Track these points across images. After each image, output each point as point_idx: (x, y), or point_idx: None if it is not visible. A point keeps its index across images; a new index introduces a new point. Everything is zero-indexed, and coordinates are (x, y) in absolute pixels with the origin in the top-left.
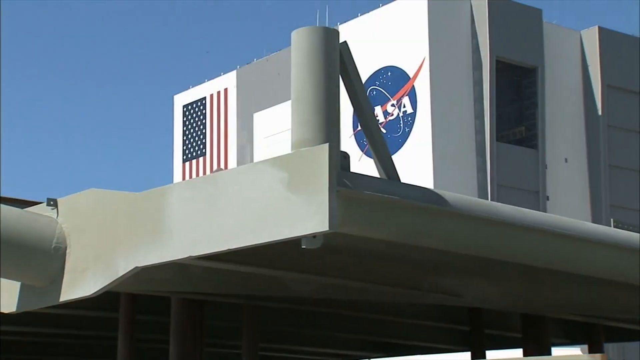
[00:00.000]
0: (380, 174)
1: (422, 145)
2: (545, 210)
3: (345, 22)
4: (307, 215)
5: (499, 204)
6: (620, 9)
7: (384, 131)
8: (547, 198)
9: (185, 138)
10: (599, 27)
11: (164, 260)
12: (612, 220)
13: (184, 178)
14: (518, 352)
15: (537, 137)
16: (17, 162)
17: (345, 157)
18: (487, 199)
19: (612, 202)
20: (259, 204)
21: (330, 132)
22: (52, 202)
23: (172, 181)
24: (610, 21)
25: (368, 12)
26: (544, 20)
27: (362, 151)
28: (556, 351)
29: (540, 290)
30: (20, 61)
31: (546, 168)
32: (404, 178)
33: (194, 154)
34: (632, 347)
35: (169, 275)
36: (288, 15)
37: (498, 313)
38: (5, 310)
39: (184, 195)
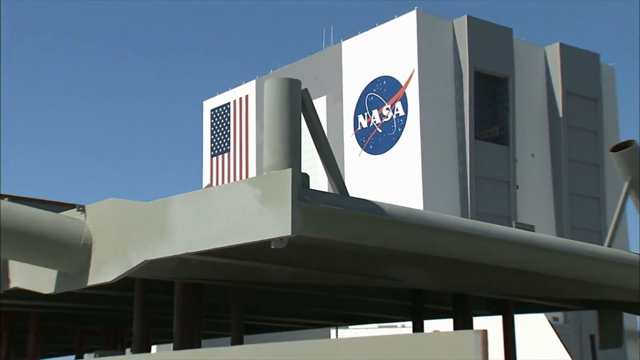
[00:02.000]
0: (333, 190)
1: (412, 143)
2: (515, 198)
3: (347, 38)
4: (275, 223)
5: (426, 211)
6: (580, 27)
7: (379, 131)
8: (517, 187)
9: (212, 137)
10: (560, 44)
11: (167, 255)
12: (513, 222)
13: (211, 171)
14: (449, 322)
15: (508, 135)
16: (68, 160)
17: (306, 177)
18: (467, 188)
19: (571, 190)
20: (239, 214)
21: (293, 159)
22: (81, 208)
23: (202, 173)
24: (571, 38)
25: (367, 30)
26: (514, 37)
27: (362, 148)
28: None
29: (463, 275)
30: (70, 66)
31: (516, 162)
32: (397, 172)
33: (220, 150)
34: (588, 315)
35: (172, 265)
36: (301, 29)
37: (434, 292)
38: (45, 292)
39: (182, 205)
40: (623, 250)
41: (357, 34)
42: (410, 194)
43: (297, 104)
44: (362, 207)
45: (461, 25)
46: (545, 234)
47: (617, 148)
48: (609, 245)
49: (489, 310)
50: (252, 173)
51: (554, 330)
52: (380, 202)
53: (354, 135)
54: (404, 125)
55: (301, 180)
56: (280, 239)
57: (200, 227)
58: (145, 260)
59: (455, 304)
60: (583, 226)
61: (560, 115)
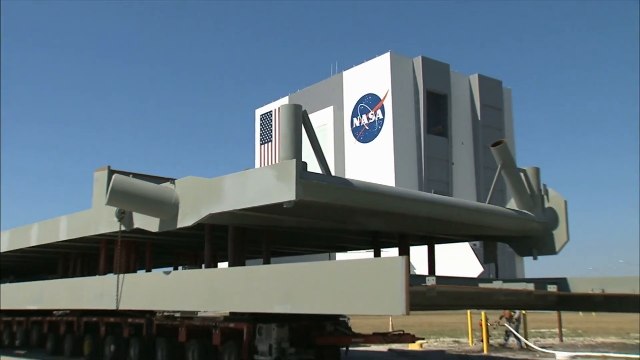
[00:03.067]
0: (321, 171)
1: (387, 136)
2: (451, 170)
3: (346, 69)
4: (285, 192)
5: (377, 183)
6: (490, 63)
7: (367, 128)
8: (452, 164)
9: (261, 132)
10: (479, 74)
11: (222, 210)
12: (432, 190)
13: (260, 154)
14: (395, 250)
15: (447, 131)
16: (165, 145)
17: (304, 164)
18: (422, 165)
19: (485, 165)
20: (264, 186)
21: (296, 154)
22: (172, 182)
23: (254, 156)
24: (485, 70)
25: (359, 64)
26: (451, 69)
27: (355, 139)
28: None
29: (402, 222)
30: (139, 69)
31: (452, 148)
32: (378, 155)
33: (266, 140)
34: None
35: (226, 216)
36: (319, 62)
37: (386, 232)
38: (154, 230)
39: (231, 180)
40: (499, 206)
41: (353, 66)
42: (386, 170)
43: (299, 120)
44: (339, 182)
45: (418, 62)
46: (469, 194)
47: (495, 144)
48: (489, 202)
49: (419, 242)
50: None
51: (474, 252)
52: (349, 178)
53: (350, 131)
54: (382, 124)
55: (301, 166)
56: (289, 201)
57: (241, 194)
58: (210, 213)
59: (399, 239)
60: (490, 186)
61: (479, 118)
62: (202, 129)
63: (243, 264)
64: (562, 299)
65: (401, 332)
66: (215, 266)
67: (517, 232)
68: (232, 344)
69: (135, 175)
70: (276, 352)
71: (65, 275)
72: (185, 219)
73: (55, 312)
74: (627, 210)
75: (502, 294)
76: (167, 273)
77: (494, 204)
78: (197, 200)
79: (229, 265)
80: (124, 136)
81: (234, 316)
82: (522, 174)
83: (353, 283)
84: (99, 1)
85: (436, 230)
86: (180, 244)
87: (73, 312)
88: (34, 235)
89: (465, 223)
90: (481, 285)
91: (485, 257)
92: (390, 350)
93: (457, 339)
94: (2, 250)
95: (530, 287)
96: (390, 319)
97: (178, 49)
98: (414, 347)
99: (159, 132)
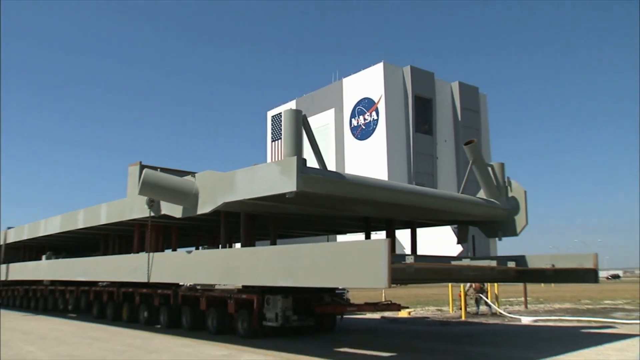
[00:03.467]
0: (319, 166)
1: (381, 134)
2: (436, 164)
3: (346, 77)
4: (288, 184)
5: (366, 176)
6: (468, 71)
7: (364, 127)
8: (437, 158)
9: (272, 131)
10: (459, 81)
11: (235, 200)
12: (414, 182)
13: (272, 151)
14: (383, 233)
15: (433, 130)
16: (189, 141)
17: (304, 161)
18: (411, 160)
19: (464, 159)
20: (270, 179)
21: (297, 151)
22: (193, 175)
23: (266, 151)
24: (464, 77)
25: (356, 72)
26: (435, 77)
27: (354, 137)
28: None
29: (389, 209)
30: (168, 79)
31: (436, 145)
32: (373, 150)
33: (276, 138)
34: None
35: (238, 204)
36: (324, 68)
37: (375, 218)
38: (178, 216)
39: (242, 174)
40: (471, 195)
41: (351, 74)
42: (380, 163)
43: (300, 123)
44: (333, 175)
45: (407, 71)
46: (451, 185)
47: (467, 143)
48: (462, 192)
49: (404, 226)
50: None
51: (454, 233)
52: (342, 172)
53: (349, 130)
54: (377, 124)
55: (301, 162)
56: (291, 192)
57: (251, 185)
58: (224, 202)
59: (386, 224)
60: (471, 178)
61: (459, 119)
62: (222, 128)
63: (253, 245)
64: (520, 273)
65: (389, 302)
66: (230, 247)
67: (485, 218)
68: (245, 312)
69: (163, 170)
70: (281, 319)
71: (105, 252)
72: (204, 207)
73: (99, 283)
74: (584, 197)
75: (470, 270)
76: (189, 252)
77: (468, 194)
78: (214, 191)
79: (241, 246)
80: (157, 134)
81: (246, 289)
82: (489, 168)
83: (344, 261)
84: (132, 11)
85: (417, 216)
86: (200, 227)
87: (113, 283)
88: (80, 219)
89: (442, 210)
90: (453, 262)
91: (459, 238)
92: (382, 317)
93: (439, 308)
94: (55, 232)
95: (493, 263)
96: (383, 291)
97: (205, 62)
98: (402, 314)
99: (185, 131)
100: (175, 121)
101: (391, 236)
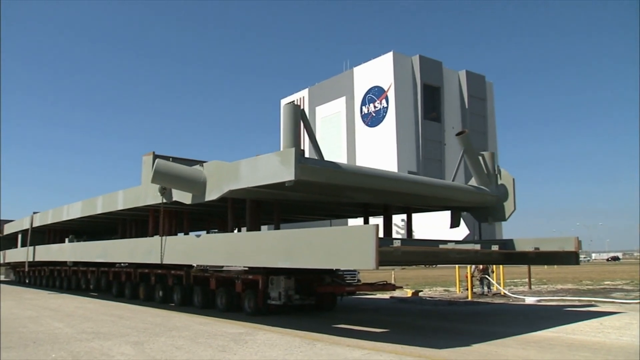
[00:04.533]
0: (317, 157)
1: (391, 121)
2: (444, 150)
3: (357, 65)
4: (287, 173)
5: (362, 166)
6: (476, 60)
7: (374, 115)
8: (445, 144)
9: None
10: (466, 70)
11: (239, 187)
12: (407, 170)
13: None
14: (380, 218)
15: (441, 117)
16: (202, 131)
17: (303, 151)
18: (419, 145)
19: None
20: (270, 168)
21: (295, 143)
22: (201, 164)
23: (279, 140)
24: (471, 65)
25: (367, 61)
26: (443, 66)
27: (364, 124)
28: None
29: (385, 196)
30: (186, 71)
31: (444, 131)
32: (383, 137)
33: None
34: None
35: (243, 192)
36: (337, 57)
37: (373, 204)
38: (187, 202)
39: (246, 164)
40: (461, 183)
41: (362, 63)
42: (390, 150)
43: (298, 117)
44: (330, 165)
45: (416, 60)
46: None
47: (458, 134)
48: (453, 180)
49: (401, 211)
50: (306, 139)
51: (462, 218)
52: (338, 162)
53: (360, 117)
54: (386, 112)
55: (299, 153)
56: (290, 180)
57: (254, 174)
58: (229, 189)
59: (384, 209)
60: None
61: (466, 107)
62: (238, 116)
63: (258, 229)
64: (507, 255)
65: (384, 282)
66: (239, 231)
67: (476, 204)
68: (250, 291)
69: (175, 159)
70: (284, 298)
71: (123, 236)
72: (211, 194)
73: (118, 264)
74: (587, 182)
75: (455, 253)
76: (198, 236)
77: (461, 182)
78: (220, 179)
79: (247, 230)
80: (176, 123)
81: (252, 270)
82: (480, 158)
83: (338, 245)
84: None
85: (411, 202)
86: (210, 213)
87: (130, 264)
88: (99, 205)
89: (433, 197)
90: (441, 246)
91: (452, 223)
92: (391, 297)
93: (447, 289)
94: (77, 217)
95: (477, 247)
96: (392, 272)
97: (222, 53)
98: (410, 294)
99: (203, 120)
100: (193, 110)
101: (388, 221)
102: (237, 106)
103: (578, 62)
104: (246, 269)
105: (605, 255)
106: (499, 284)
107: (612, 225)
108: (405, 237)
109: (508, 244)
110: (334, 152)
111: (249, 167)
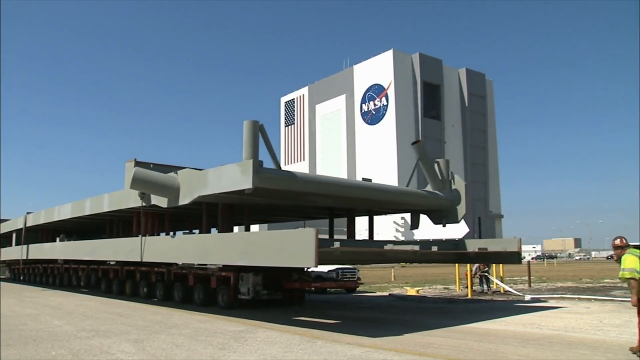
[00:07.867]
0: (274, 166)
1: (391, 119)
2: (444, 148)
3: (357, 63)
4: (245, 181)
5: (317, 174)
6: (476, 58)
7: (374, 113)
8: (445, 142)
9: (285, 116)
10: (466, 68)
11: (208, 193)
12: (362, 178)
13: (285, 135)
14: (344, 220)
15: (441, 114)
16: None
17: (261, 162)
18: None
19: (471, 144)
20: (232, 177)
21: (254, 155)
22: (175, 172)
23: (279, 135)
24: (471, 64)
25: (367, 59)
26: (443, 64)
27: (364, 121)
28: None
29: (347, 201)
30: (184, 69)
31: (444, 129)
32: (383, 134)
33: (289, 123)
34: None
35: (213, 197)
36: (337, 56)
37: (337, 207)
38: (164, 206)
39: (212, 172)
40: (415, 188)
41: (362, 61)
42: (389, 147)
43: (257, 131)
44: (285, 174)
45: (416, 58)
46: (458, 168)
47: (414, 143)
48: (408, 185)
49: (364, 214)
50: (306, 137)
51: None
52: (294, 171)
53: (360, 115)
54: (386, 109)
55: (257, 164)
56: (249, 188)
57: (219, 182)
58: (199, 195)
59: (347, 212)
60: (476, 161)
61: (466, 105)
62: (238, 114)
63: (231, 230)
64: (459, 255)
65: (347, 280)
66: (210, 232)
67: (431, 207)
68: (224, 287)
69: (155, 165)
70: (252, 293)
71: (110, 235)
72: (184, 199)
73: (107, 262)
74: (587, 180)
75: (393, 253)
76: (173, 236)
77: (420, 187)
78: (191, 186)
79: (218, 232)
80: (174, 120)
81: (225, 267)
82: (435, 165)
83: (284, 245)
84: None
85: (370, 206)
86: (189, 214)
87: (118, 262)
88: (87, 207)
89: (390, 201)
90: (380, 247)
91: (412, 225)
92: (390, 295)
93: (446, 286)
94: (67, 217)
95: (416, 248)
96: (392, 270)
97: (222, 51)
98: (411, 292)
99: (204, 117)
100: (194, 108)
101: (351, 223)
102: (238, 104)
103: (578, 60)
104: (220, 266)
105: (605, 254)
106: (500, 282)
107: (612, 223)
108: (375, 237)
109: (460, 244)
110: (333, 150)
111: (215, 176)
